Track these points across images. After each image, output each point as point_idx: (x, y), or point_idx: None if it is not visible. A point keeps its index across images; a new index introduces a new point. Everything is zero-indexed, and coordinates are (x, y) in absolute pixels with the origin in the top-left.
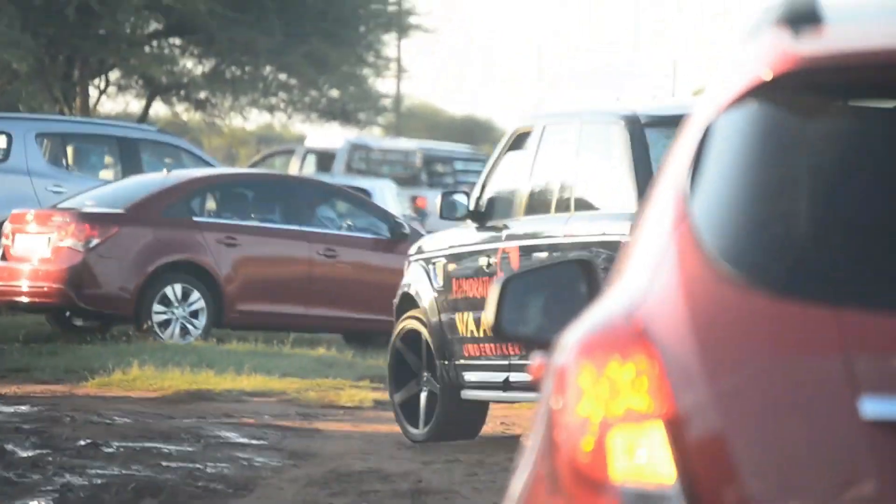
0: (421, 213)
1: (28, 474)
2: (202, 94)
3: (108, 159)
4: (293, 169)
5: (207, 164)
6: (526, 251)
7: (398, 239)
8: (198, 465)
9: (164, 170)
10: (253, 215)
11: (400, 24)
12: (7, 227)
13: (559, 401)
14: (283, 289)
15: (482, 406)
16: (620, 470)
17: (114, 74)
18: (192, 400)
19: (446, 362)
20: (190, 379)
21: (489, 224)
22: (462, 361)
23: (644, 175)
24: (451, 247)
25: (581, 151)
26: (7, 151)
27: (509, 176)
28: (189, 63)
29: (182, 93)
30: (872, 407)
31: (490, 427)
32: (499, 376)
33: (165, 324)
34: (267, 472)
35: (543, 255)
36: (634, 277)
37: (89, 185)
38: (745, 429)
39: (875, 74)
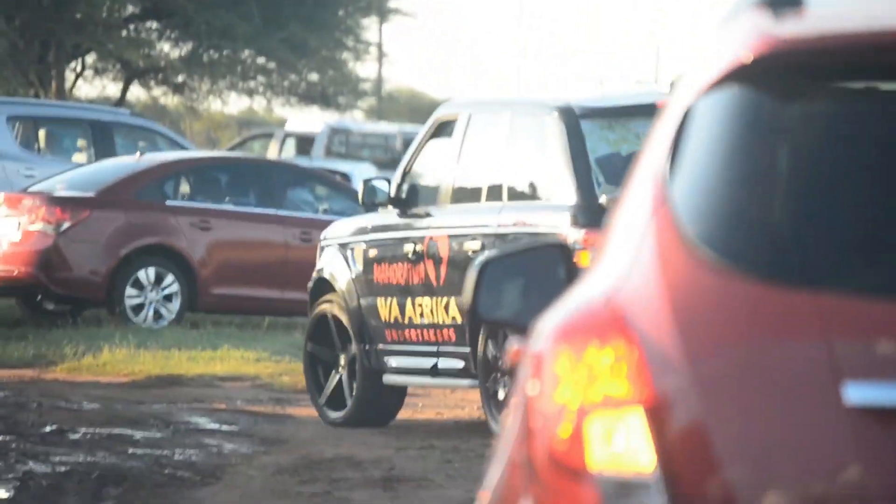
0: None
1: None
2: (180, 78)
3: (80, 143)
4: (272, 152)
5: (182, 147)
6: (456, 239)
7: None
8: (165, 453)
9: (137, 153)
10: (227, 199)
11: (380, 7)
12: None
13: (536, 387)
14: (259, 272)
15: (400, 391)
16: (598, 458)
17: (90, 58)
18: (163, 385)
19: (367, 347)
20: (162, 363)
21: (412, 211)
22: (384, 346)
23: (581, 167)
24: (371, 232)
25: (513, 142)
26: None
27: (433, 164)
28: (166, 47)
29: (160, 76)
30: (856, 393)
31: (466, 412)
32: (426, 362)
33: (138, 308)
34: (236, 459)
35: (476, 244)
36: (613, 262)
37: (62, 169)
38: (727, 415)
39: (856, 57)
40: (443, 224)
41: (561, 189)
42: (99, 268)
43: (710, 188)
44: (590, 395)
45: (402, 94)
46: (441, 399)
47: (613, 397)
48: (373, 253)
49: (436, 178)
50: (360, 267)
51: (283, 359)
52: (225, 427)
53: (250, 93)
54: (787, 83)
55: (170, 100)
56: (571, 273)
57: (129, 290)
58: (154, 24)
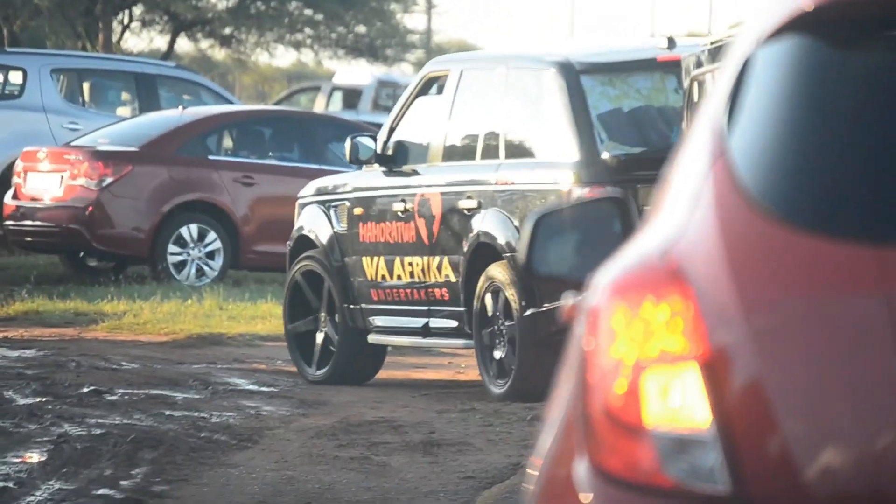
0: None
1: (24, 424)
2: (227, 30)
3: (125, 96)
4: (319, 106)
5: (227, 100)
6: (449, 197)
7: None
8: (203, 415)
9: (180, 107)
10: (270, 153)
11: None
12: (19, 165)
13: (592, 342)
14: None
15: (380, 350)
16: (654, 414)
17: (137, 10)
18: (203, 344)
19: (351, 306)
20: (203, 322)
21: (399, 169)
22: (369, 306)
23: (583, 123)
24: (356, 190)
25: (509, 98)
26: (22, 87)
27: (422, 121)
28: None
29: (207, 29)
30: None
31: None
32: (417, 322)
33: (181, 265)
34: (274, 421)
35: (472, 202)
36: (669, 215)
37: (106, 122)
38: (784, 370)
39: None
40: (435, 182)
41: (562, 146)
42: (142, 224)
43: (769, 140)
44: (646, 351)
45: (451, 47)
46: None
47: (669, 353)
48: (358, 211)
49: (425, 136)
50: (344, 225)
51: None
52: (264, 388)
53: (297, 45)
54: (850, 32)
55: (217, 52)
56: (627, 226)
57: (172, 248)
58: None
